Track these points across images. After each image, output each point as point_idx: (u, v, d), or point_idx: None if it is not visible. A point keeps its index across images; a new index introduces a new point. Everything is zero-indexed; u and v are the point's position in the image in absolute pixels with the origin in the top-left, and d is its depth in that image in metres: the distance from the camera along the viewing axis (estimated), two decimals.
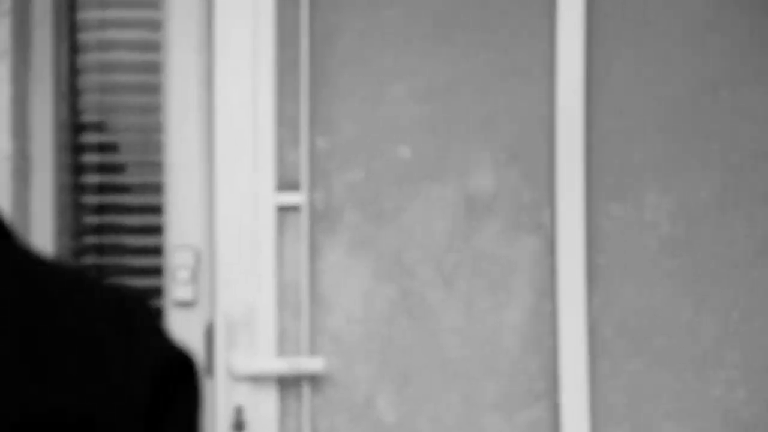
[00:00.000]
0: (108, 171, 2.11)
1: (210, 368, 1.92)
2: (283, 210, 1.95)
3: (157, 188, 2.07)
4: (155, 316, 0.79)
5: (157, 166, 2.07)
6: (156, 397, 0.74)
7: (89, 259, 2.09)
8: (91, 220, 2.12)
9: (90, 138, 2.12)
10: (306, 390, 1.95)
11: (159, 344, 0.76)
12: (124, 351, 0.73)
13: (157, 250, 2.07)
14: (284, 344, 1.95)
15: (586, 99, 1.98)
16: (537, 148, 2.00)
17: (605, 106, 2.00)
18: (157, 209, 2.06)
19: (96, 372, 0.72)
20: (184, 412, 0.76)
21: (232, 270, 1.91)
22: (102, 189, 2.10)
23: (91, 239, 2.12)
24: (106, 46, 2.12)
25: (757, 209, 2.03)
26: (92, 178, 2.10)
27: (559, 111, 1.97)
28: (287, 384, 1.95)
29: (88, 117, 2.13)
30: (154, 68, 2.11)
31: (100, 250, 2.11)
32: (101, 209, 2.10)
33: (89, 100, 2.12)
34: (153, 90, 2.09)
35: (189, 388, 0.77)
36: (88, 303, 0.76)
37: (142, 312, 0.77)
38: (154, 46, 2.11)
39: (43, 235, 1.90)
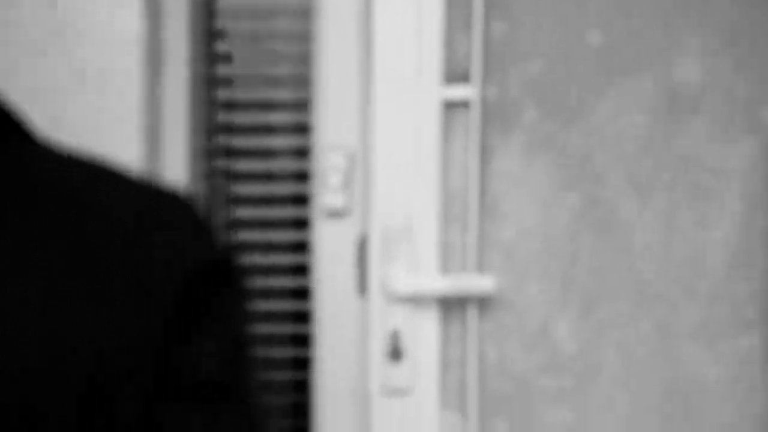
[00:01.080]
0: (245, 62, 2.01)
1: (363, 287, 1.86)
2: (451, 105, 1.85)
3: (305, 81, 1.99)
4: (194, 215, 0.78)
5: (304, 57, 1.98)
6: (186, 306, 0.74)
7: (223, 163, 2.03)
8: (227, 117, 2.02)
9: (227, 23, 2.02)
10: (472, 313, 1.86)
11: (192, 246, 0.76)
12: (144, 258, 0.74)
13: (304, 152, 1.99)
14: (449, 260, 1.87)
15: None
16: (755, 32, 1.86)
17: None
18: (304, 105, 1.97)
19: (107, 288, 0.73)
20: (222, 321, 0.76)
21: (390, 175, 1.83)
22: (239, 81, 2.02)
23: (226, 139, 2.04)
24: None
25: None
26: (228, 69, 2.00)
27: None
28: (451, 306, 1.88)
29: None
30: None
31: (237, 151, 2.04)
32: (236, 105, 2.02)
33: None
34: None
35: (229, 293, 0.76)
36: (107, 202, 0.76)
37: (175, 210, 0.77)
38: None
39: (174, 132, 1.79)
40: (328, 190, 1.83)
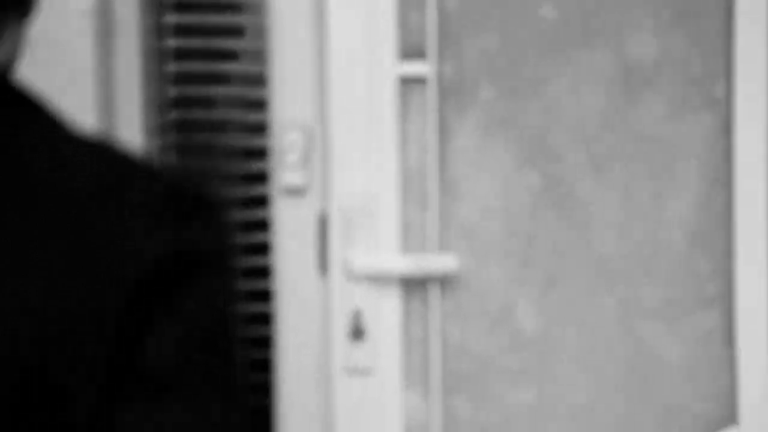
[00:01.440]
0: (198, 34, 1.97)
1: (323, 266, 1.85)
2: (407, 82, 1.85)
3: (259, 56, 1.97)
4: (184, 203, 0.79)
5: (258, 30, 1.96)
6: (148, 292, 0.75)
7: (175, 138, 2.01)
8: (179, 90, 2.00)
9: None
10: (434, 293, 1.86)
11: (165, 233, 0.77)
12: (113, 241, 0.76)
13: (260, 128, 1.96)
14: (409, 239, 1.87)
15: None
16: (709, 7, 1.86)
17: None
18: (259, 80, 1.95)
19: (73, 264, 0.75)
20: (186, 312, 0.76)
21: (348, 152, 1.83)
22: (192, 55, 1.98)
23: (180, 113, 2.01)
24: None
25: None
26: (180, 42, 1.97)
27: None
28: (412, 285, 1.87)
29: None
30: None
31: (191, 125, 2.01)
32: (191, 78, 1.99)
33: None
34: None
35: (197, 284, 0.77)
36: (105, 177, 0.78)
37: (164, 198, 0.79)
38: None
39: (129, 107, 1.77)
40: (286, 168, 1.82)
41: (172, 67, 1.94)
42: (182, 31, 1.93)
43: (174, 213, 0.79)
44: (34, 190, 0.77)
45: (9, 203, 0.77)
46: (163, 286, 0.76)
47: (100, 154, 0.82)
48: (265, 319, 1.92)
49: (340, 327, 1.84)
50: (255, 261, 1.94)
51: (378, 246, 1.83)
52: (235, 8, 1.97)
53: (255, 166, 1.97)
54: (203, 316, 0.78)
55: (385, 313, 1.84)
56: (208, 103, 1.98)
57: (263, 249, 1.92)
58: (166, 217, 0.79)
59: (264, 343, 1.92)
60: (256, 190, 1.99)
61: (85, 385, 0.75)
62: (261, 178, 1.97)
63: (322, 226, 1.85)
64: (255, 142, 1.98)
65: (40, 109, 0.83)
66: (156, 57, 1.90)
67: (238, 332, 0.82)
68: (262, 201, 1.97)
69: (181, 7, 1.93)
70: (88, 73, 1.63)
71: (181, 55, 1.94)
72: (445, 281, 1.85)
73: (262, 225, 1.95)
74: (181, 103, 1.99)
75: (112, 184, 0.79)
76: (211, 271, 0.79)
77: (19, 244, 0.75)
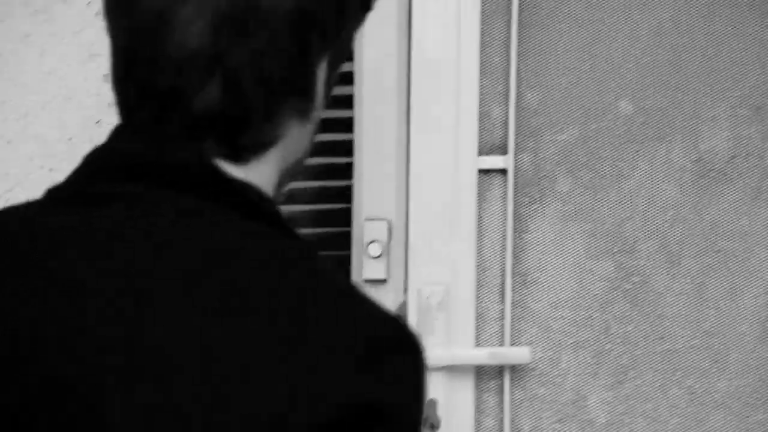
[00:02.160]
0: None
1: None
2: (485, 174, 1.83)
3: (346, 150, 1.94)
4: (402, 347, 0.81)
5: (345, 124, 1.93)
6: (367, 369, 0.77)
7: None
8: None
9: None
10: (507, 383, 1.83)
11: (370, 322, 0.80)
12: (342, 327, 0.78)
13: (342, 220, 1.92)
14: (484, 329, 1.84)
15: None
16: None
17: None
18: (345, 173, 1.92)
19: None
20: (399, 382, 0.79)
21: (426, 244, 1.79)
22: None
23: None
24: None
25: None
26: None
27: None
28: (486, 375, 1.84)
29: None
30: None
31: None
32: None
33: None
34: None
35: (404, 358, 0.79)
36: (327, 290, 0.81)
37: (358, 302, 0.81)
38: None
39: None
40: (369, 260, 1.78)
41: None
42: None
43: (367, 359, 0.78)
44: (253, 303, 0.78)
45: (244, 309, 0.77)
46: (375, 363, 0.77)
47: (321, 280, 0.81)
48: None
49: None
50: None
51: (454, 337, 1.79)
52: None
53: (337, 255, 1.93)
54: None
55: (460, 404, 1.80)
56: (289, 195, 1.92)
57: None
58: (359, 362, 0.78)
59: None
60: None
61: None
62: (344, 268, 1.92)
63: (400, 313, 1.80)
64: (338, 230, 1.93)
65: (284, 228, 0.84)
66: None
67: None
68: None
69: None
70: None
71: None
72: (517, 372, 1.82)
73: None
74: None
75: (317, 317, 0.78)
76: (391, 427, 0.78)
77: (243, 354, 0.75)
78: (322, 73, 0.91)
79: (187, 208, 0.82)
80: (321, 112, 0.94)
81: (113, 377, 0.73)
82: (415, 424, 0.81)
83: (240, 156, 0.87)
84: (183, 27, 0.84)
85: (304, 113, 0.90)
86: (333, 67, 0.94)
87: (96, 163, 0.85)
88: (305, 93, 0.88)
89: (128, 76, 0.87)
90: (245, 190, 0.84)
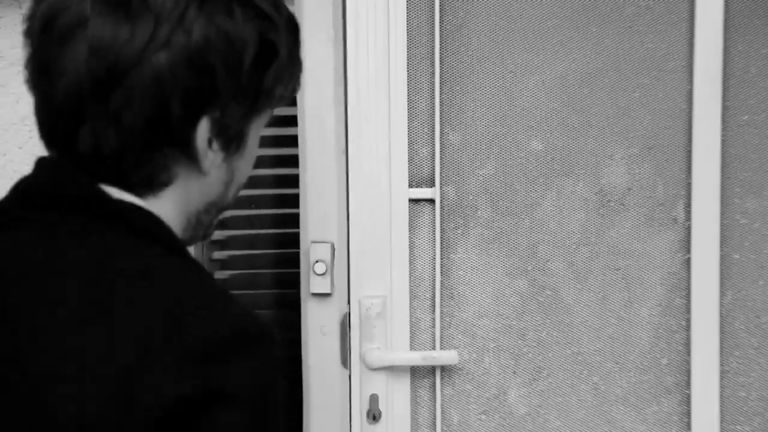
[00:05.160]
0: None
1: (345, 359, 1.84)
2: (416, 203, 1.85)
3: (293, 181, 1.95)
4: (248, 339, 0.82)
5: (293, 159, 1.96)
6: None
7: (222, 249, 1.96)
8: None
9: None
10: (438, 381, 1.87)
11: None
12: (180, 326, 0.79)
13: (294, 243, 1.95)
14: (417, 336, 1.86)
15: (723, 93, 1.86)
16: (672, 142, 1.86)
17: (742, 100, 1.87)
18: (295, 202, 1.95)
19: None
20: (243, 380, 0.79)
21: (366, 263, 1.82)
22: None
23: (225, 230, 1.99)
24: None
25: None
26: None
27: (696, 105, 1.85)
28: (420, 375, 1.87)
29: None
30: None
31: (235, 240, 1.99)
32: (238, 203, 1.98)
33: None
34: None
35: (228, 413, 0.78)
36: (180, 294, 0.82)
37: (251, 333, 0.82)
38: None
39: None
40: (315, 277, 1.79)
41: None
42: None
43: (214, 353, 0.79)
44: (116, 300, 0.79)
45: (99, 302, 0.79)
46: (182, 421, 0.77)
47: (190, 288, 0.82)
48: (299, 405, 1.89)
49: (360, 411, 1.83)
50: (288, 353, 1.91)
51: (391, 343, 1.82)
52: (275, 142, 1.97)
53: (288, 273, 1.95)
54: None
55: (397, 399, 1.84)
56: (249, 221, 1.97)
57: (296, 343, 1.88)
58: (206, 354, 0.79)
59: (296, 426, 1.89)
60: (291, 295, 1.96)
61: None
62: (293, 284, 1.96)
63: (344, 325, 1.83)
64: (288, 253, 1.95)
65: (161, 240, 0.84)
66: None
67: None
68: (294, 304, 1.95)
69: None
70: None
71: None
72: (447, 372, 1.85)
73: (295, 324, 1.92)
74: (228, 223, 1.96)
75: (176, 319, 0.80)
76: (236, 406, 0.79)
77: (92, 342, 0.77)
78: (203, 130, 0.89)
79: (72, 228, 0.84)
80: (240, 161, 0.92)
81: None
82: (262, 402, 0.81)
83: (134, 189, 0.88)
84: (57, 78, 0.85)
85: (191, 161, 0.89)
86: (223, 124, 0.89)
87: (17, 191, 0.89)
88: (179, 145, 0.87)
89: (37, 115, 0.91)
90: (131, 211, 0.86)
